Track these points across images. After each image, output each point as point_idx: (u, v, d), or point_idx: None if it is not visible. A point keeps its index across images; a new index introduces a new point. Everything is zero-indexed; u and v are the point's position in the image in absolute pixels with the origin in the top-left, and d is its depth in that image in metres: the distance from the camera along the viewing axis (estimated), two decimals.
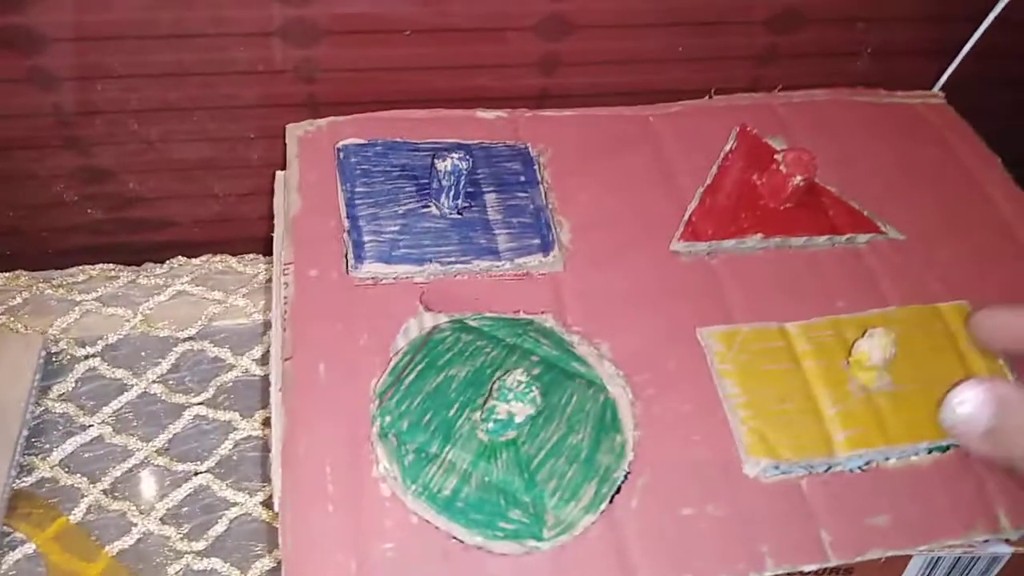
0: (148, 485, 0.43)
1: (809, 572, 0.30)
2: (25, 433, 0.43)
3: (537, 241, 0.35)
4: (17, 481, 0.42)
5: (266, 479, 0.43)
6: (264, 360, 0.47)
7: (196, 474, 0.43)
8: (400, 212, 0.35)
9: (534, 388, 0.28)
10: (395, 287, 0.33)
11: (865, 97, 0.44)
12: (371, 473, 0.28)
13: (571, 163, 0.39)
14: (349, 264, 0.34)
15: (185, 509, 0.42)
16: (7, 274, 0.49)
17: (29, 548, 0.40)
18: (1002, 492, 0.31)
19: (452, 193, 0.35)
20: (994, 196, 0.40)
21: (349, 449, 0.29)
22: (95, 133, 0.44)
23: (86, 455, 0.43)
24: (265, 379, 0.46)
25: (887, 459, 0.31)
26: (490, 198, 0.36)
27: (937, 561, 0.31)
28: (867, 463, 0.31)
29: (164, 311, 0.49)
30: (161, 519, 0.41)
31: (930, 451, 0.31)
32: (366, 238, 0.34)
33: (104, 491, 0.42)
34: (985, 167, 0.42)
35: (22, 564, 0.40)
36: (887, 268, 0.37)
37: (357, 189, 0.36)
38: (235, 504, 0.42)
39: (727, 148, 0.40)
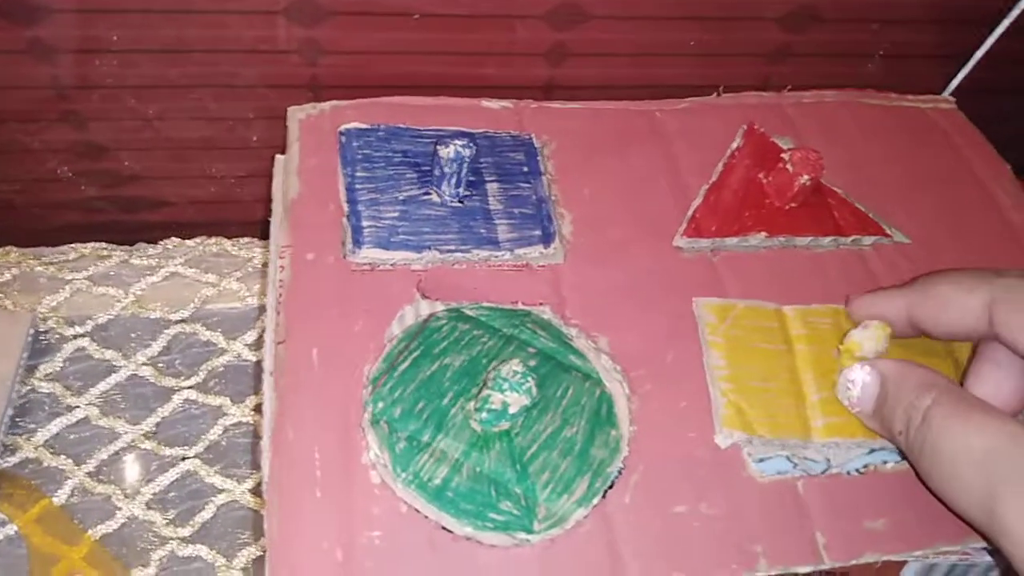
0: (134, 469, 0.42)
1: (803, 574, 0.29)
2: (10, 412, 0.42)
3: (538, 232, 0.35)
4: (0, 461, 0.41)
5: (255, 466, 0.42)
6: (257, 345, 0.47)
7: (184, 459, 0.42)
8: (400, 198, 0.35)
9: (530, 379, 0.28)
10: (392, 273, 0.33)
11: (875, 100, 0.44)
12: (361, 460, 0.28)
13: (575, 156, 0.38)
14: (347, 249, 0.33)
15: (171, 494, 0.41)
16: None
17: (11, 529, 0.39)
18: None
19: (454, 181, 0.34)
20: (1003, 203, 0.40)
21: (340, 435, 0.28)
22: (92, 108, 0.43)
23: (72, 436, 0.43)
24: (257, 365, 0.46)
25: (884, 462, 0.30)
26: (492, 187, 0.36)
27: (932, 568, 0.31)
28: (864, 466, 0.30)
29: (156, 292, 0.48)
30: (147, 504, 0.41)
31: None
32: (365, 223, 0.34)
33: (89, 474, 0.41)
34: (994, 173, 0.41)
35: (3, 546, 0.39)
36: (891, 271, 0.36)
37: (358, 174, 0.35)
38: (223, 491, 0.42)
39: (734, 146, 0.39)
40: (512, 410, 0.28)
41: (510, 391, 0.27)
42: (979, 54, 0.47)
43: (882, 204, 0.39)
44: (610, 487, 0.28)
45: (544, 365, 0.31)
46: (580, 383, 0.31)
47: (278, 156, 0.38)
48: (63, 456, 0.42)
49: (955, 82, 0.48)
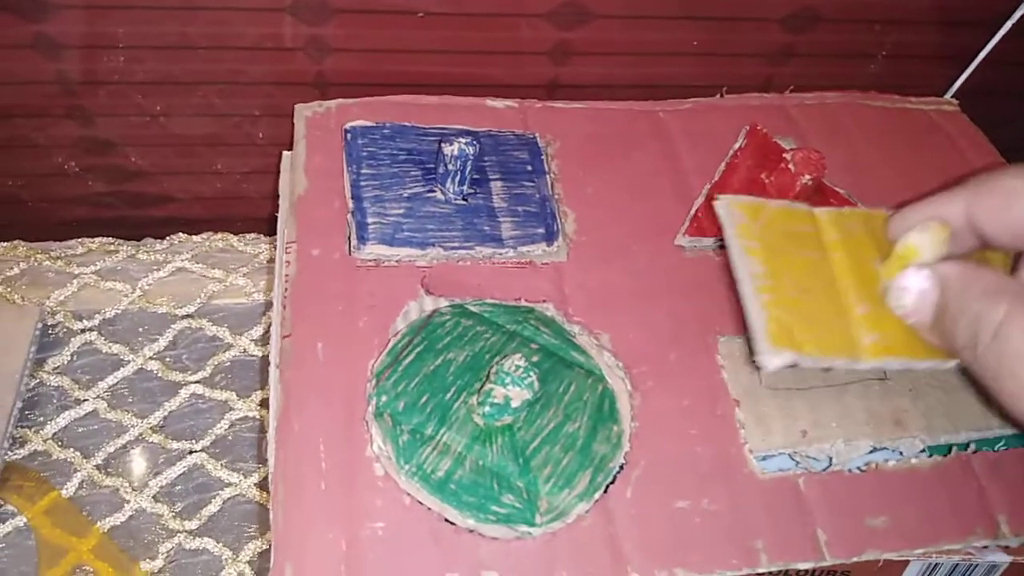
0: (141, 462, 0.42)
1: (806, 573, 0.29)
2: (19, 405, 0.43)
3: (541, 230, 0.35)
4: (9, 453, 0.41)
5: (261, 460, 0.43)
6: (263, 340, 0.47)
7: (191, 453, 0.43)
8: (405, 196, 0.35)
9: (532, 373, 0.28)
10: (397, 270, 0.33)
11: (878, 101, 0.44)
12: (365, 452, 0.28)
13: (579, 155, 0.39)
14: (352, 245, 0.33)
15: (178, 488, 0.42)
16: (5, 244, 0.49)
17: (20, 521, 0.40)
18: (1003, 498, 0.30)
19: (458, 178, 0.35)
20: None
21: (344, 428, 0.29)
22: (99, 104, 0.43)
23: (80, 430, 0.43)
24: (263, 359, 0.46)
25: (887, 460, 0.31)
26: (496, 186, 0.36)
27: (935, 567, 0.31)
28: (867, 463, 0.31)
29: (163, 287, 0.48)
30: (154, 497, 0.41)
31: (930, 454, 0.31)
32: (370, 220, 0.34)
33: (97, 467, 0.42)
34: None
35: (12, 537, 0.39)
36: None
37: (363, 171, 0.36)
38: (229, 484, 0.42)
39: (736, 146, 0.40)
40: (514, 404, 0.28)
41: (512, 385, 0.28)
42: (982, 56, 0.47)
43: (883, 204, 0.39)
44: (612, 482, 0.29)
45: (546, 361, 0.31)
46: (582, 379, 0.31)
47: (285, 153, 0.38)
48: (71, 449, 0.42)
49: (958, 84, 0.49)
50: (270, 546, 0.27)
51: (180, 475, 0.42)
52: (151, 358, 0.46)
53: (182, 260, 0.49)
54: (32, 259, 0.48)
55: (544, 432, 0.29)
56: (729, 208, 0.29)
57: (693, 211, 0.37)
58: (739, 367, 0.32)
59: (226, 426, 0.44)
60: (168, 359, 0.46)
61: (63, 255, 0.49)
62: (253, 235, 0.51)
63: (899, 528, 0.29)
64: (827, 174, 0.37)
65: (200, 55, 0.42)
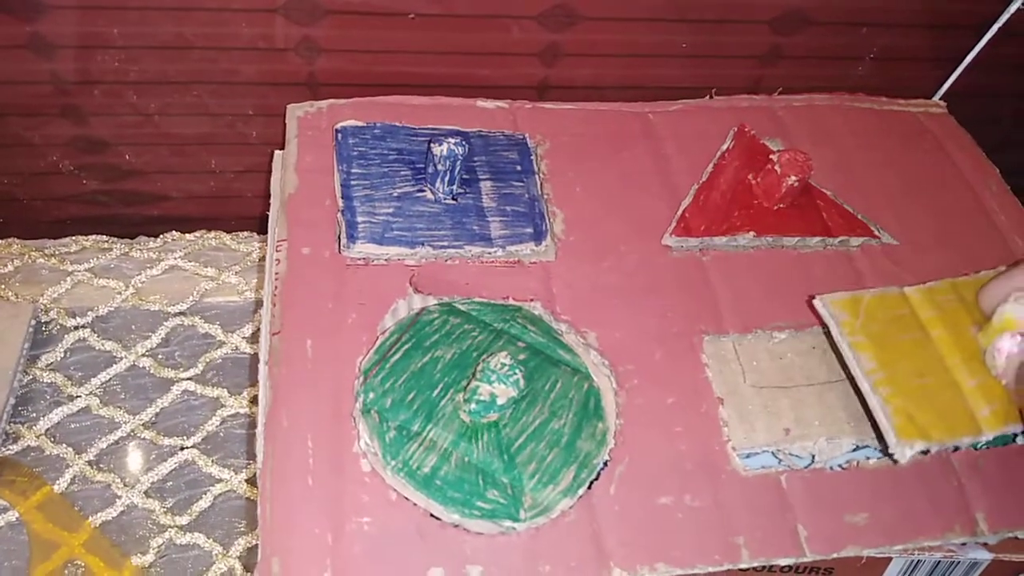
0: (133, 458, 0.43)
1: (788, 569, 0.30)
2: (12, 401, 0.43)
3: (530, 230, 0.35)
4: (2, 449, 0.42)
5: (252, 457, 0.43)
6: (254, 338, 0.47)
7: (182, 449, 0.43)
8: (395, 195, 0.35)
9: (517, 371, 0.28)
10: (386, 268, 0.34)
11: (866, 103, 0.44)
12: (352, 448, 0.29)
13: (568, 156, 0.39)
14: (342, 243, 0.34)
15: (170, 483, 0.42)
16: (0, 241, 0.49)
17: (12, 516, 0.40)
18: (981, 495, 0.31)
19: (447, 178, 0.35)
20: (991, 207, 0.41)
21: (332, 424, 0.29)
22: (93, 103, 0.44)
23: (72, 425, 0.43)
24: (254, 357, 0.46)
25: (868, 458, 0.31)
26: (485, 185, 0.37)
27: (917, 564, 0.31)
28: (848, 461, 0.31)
29: (156, 285, 0.49)
30: (145, 492, 0.41)
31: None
32: (359, 219, 0.34)
33: (89, 462, 0.42)
34: (984, 178, 0.42)
35: (4, 531, 0.40)
36: (876, 272, 0.37)
37: (353, 170, 0.36)
38: (220, 480, 0.42)
39: (724, 147, 0.40)
40: (500, 401, 0.28)
41: (498, 383, 0.28)
42: (970, 58, 0.48)
43: (871, 206, 0.39)
44: (596, 478, 0.29)
45: (533, 359, 0.31)
46: (568, 377, 0.31)
47: (277, 152, 0.38)
48: (64, 444, 0.42)
49: (946, 86, 0.49)
50: (258, 540, 0.27)
51: (171, 471, 0.42)
52: (143, 355, 0.46)
53: (175, 258, 0.50)
54: (26, 256, 0.49)
55: (529, 429, 0.29)
56: (830, 308, 0.30)
57: (680, 211, 0.37)
58: (723, 366, 0.33)
59: (217, 423, 0.44)
60: (160, 356, 0.46)
61: (57, 252, 0.49)
62: (246, 233, 0.51)
63: (878, 524, 0.30)
64: (815, 175, 0.37)
65: (193, 55, 0.42)
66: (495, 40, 0.43)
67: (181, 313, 0.48)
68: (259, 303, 0.49)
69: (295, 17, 0.41)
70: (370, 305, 0.32)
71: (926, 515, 0.30)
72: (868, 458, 0.31)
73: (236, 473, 0.43)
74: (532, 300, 0.34)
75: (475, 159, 0.37)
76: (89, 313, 0.47)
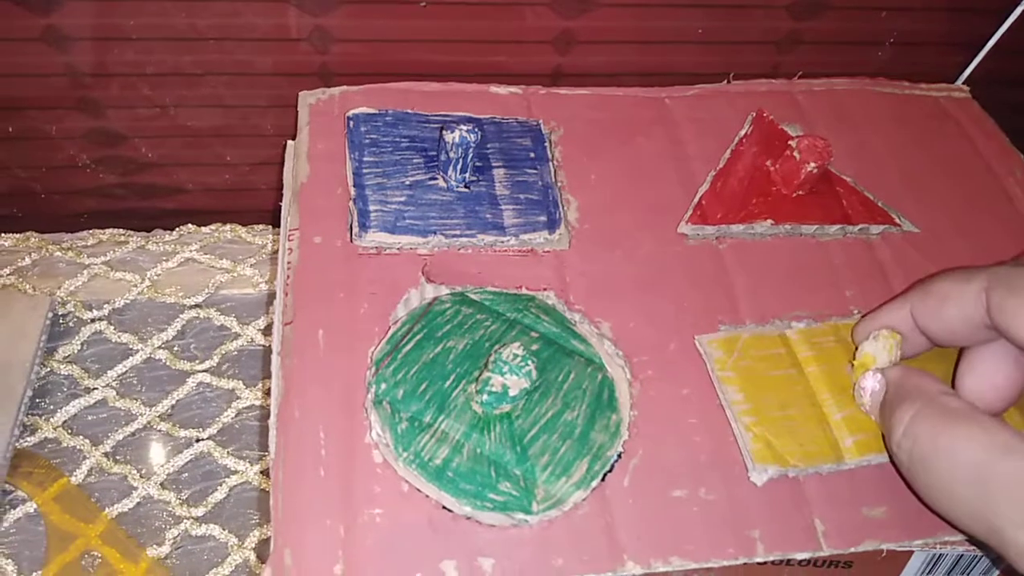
0: (150, 450, 0.43)
1: (806, 563, 0.29)
2: (30, 393, 0.43)
3: (543, 218, 0.35)
4: (20, 441, 0.42)
5: (266, 448, 0.43)
6: (269, 331, 0.47)
7: (198, 440, 0.43)
8: (407, 183, 0.35)
9: (530, 362, 0.28)
10: (398, 257, 0.33)
11: (887, 88, 0.43)
12: (364, 439, 0.28)
13: (583, 142, 0.38)
14: (354, 232, 0.33)
15: (185, 475, 0.42)
16: (17, 235, 0.49)
17: (30, 507, 0.40)
18: None
19: (460, 166, 0.35)
20: (1014, 194, 0.40)
21: (344, 415, 0.29)
22: (109, 96, 0.44)
23: (89, 418, 0.44)
24: (269, 350, 0.46)
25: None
26: (499, 173, 0.36)
27: (939, 559, 0.31)
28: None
29: (172, 278, 0.49)
30: (161, 484, 0.42)
31: None
32: (372, 207, 0.34)
33: (106, 454, 0.42)
34: (1007, 164, 0.41)
35: (23, 523, 0.40)
36: (898, 261, 0.36)
37: (365, 158, 0.36)
38: (235, 472, 0.42)
39: (742, 133, 0.39)
40: (512, 393, 0.28)
41: (510, 374, 0.28)
42: (992, 42, 0.47)
43: (892, 193, 0.39)
44: (609, 470, 0.29)
45: (546, 349, 0.31)
46: (582, 368, 0.31)
47: (289, 141, 0.38)
48: (81, 436, 0.43)
49: (968, 71, 0.48)
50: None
51: (187, 463, 0.42)
52: (159, 347, 0.46)
53: (191, 251, 0.50)
54: (44, 250, 0.49)
55: (542, 420, 0.29)
56: (706, 346, 0.32)
57: (697, 199, 0.37)
58: None
59: (233, 414, 0.44)
60: (176, 348, 0.46)
61: (74, 246, 0.49)
62: (261, 226, 0.51)
63: (898, 518, 0.29)
64: (835, 161, 0.37)
65: (208, 47, 0.42)
66: (508, 27, 0.42)
67: (197, 305, 0.48)
68: (274, 295, 0.49)
69: (308, 7, 0.41)
70: (382, 295, 0.32)
71: None
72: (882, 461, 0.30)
73: (251, 465, 0.43)
74: (545, 289, 0.33)
75: (488, 146, 0.37)
76: (106, 306, 0.47)
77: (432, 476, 0.27)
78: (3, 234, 0.49)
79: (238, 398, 0.45)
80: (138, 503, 0.41)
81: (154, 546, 0.39)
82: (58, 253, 0.49)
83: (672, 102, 0.41)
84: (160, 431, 0.43)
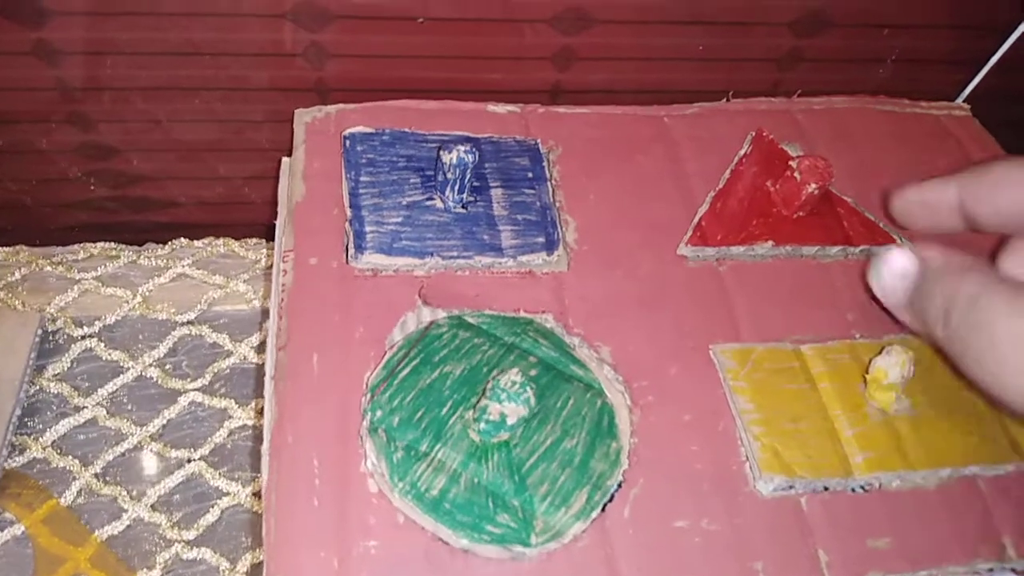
0: (140, 470, 0.42)
1: None
2: (18, 412, 0.43)
3: (542, 239, 0.34)
4: (8, 461, 0.41)
5: (259, 470, 0.42)
6: (262, 348, 0.47)
7: (189, 461, 0.43)
8: (404, 204, 0.35)
9: (528, 389, 0.27)
10: (395, 279, 0.33)
11: (887, 106, 0.43)
12: (359, 468, 0.28)
13: (581, 161, 0.38)
14: (349, 254, 0.33)
15: (177, 497, 0.42)
16: (7, 249, 0.49)
17: (18, 530, 0.40)
18: (1008, 519, 0.30)
19: (457, 187, 0.34)
20: None
21: (338, 443, 0.28)
22: (101, 109, 0.43)
23: (79, 437, 0.43)
24: (262, 368, 0.46)
25: (891, 481, 0.30)
26: (496, 193, 0.36)
27: None
28: (870, 483, 0.30)
29: (164, 293, 0.48)
30: (152, 506, 0.41)
31: None
32: (368, 228, 0.33)
33: (96, 475, 0.42)
34: None
35: (10, 546, 0.39)
36: None
37: (361, 178, 0.35)
38: (227, 494, 0.42)
39: (742, 152, 0.39)
40: (510, 421, 0.27)
41: (508, 402, 0.27)
42: (993, 60, 0.46)
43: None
44: (609, 500, 0.28)
45: (545, 375, 0.30)
46: (581, 393, 0.30)
47: (284, 159, 0.38)
48: (70, 456, 0.42)
49: (969, 88, 0.48)
50: (263, 558, 0.26)
51: (179, 484, 0.42)
52: (151, 365, 0.45)
53: (183, 266, 0.49)
54: (34, 264, 0.48)
55: (541, 448, 0.29)
56: (719, 356, 0.32)
57: (696, 220, 0.36)
58: None
59: (225, 434, 0.43)
60: (168, 366, 0.46)
61: (64, 260, 0.49)
62: (255, 240, 0.51)
63: (902, 549, 0.28)
64: (834, 181, 0.36)
65: (202, 61, 0.41)
66: (507, 44, 0.42)
67: (189, 322, 0.47)
68: (267, 312, 0.48)
69: (303, 22, 0.40)
70: (378, 318, 0.31)
71: (952, 540, 0.29)
72: (891, 480, 0.30)
73: (243, 486, 0.42)
74: (544, 312, 0.33)
75: (485, 165, 0.36)
76: (96, 322, 0.47)
77: (428, 508, 0.27)
78: None
79: (230, 417, 0.44)
80: (128, 525, 0.40)
81: (144, 570, 0.39)
82: (48, 268, 0.48)
83: (671, 120, 0.40)
84: (151, 451, 0.43)
